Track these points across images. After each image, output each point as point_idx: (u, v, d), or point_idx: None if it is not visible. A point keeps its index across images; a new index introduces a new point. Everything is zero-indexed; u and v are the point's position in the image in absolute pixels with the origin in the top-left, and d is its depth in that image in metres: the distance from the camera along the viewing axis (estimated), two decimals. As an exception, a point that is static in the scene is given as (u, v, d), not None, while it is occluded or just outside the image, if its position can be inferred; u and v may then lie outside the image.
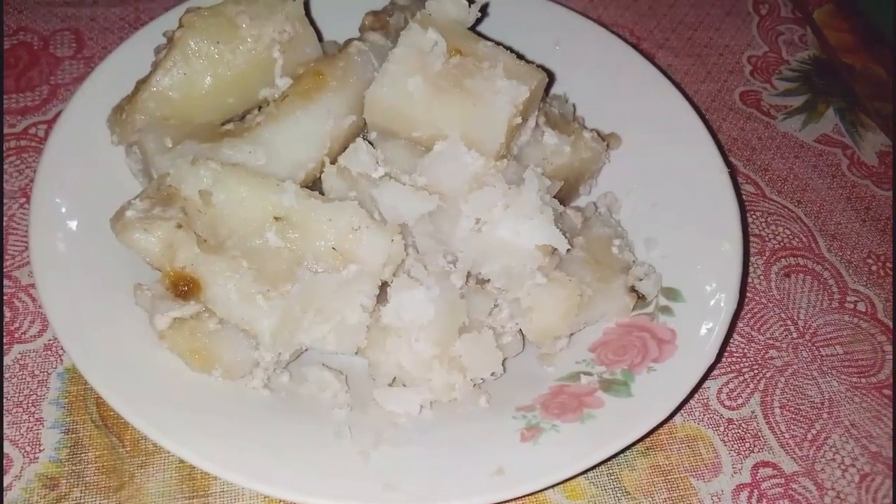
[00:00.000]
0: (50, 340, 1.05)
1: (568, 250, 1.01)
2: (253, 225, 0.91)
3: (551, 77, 1.17)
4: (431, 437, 0.92)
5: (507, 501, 0.86)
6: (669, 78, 1.25)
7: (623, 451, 0.92)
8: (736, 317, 1.06)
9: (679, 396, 0.93)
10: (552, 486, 0.92)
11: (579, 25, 1.30)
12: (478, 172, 1.00)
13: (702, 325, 0.99)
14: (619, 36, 1.30)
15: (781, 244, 1.30)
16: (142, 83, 1.02)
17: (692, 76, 1.52)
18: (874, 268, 1.28)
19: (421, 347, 0.95)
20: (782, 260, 1.28)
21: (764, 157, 1.41)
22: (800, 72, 1.55)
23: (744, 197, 1.34)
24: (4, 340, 1.04)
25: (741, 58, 1.56)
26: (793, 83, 1.53)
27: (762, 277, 1.25)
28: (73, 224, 1.00)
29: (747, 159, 1.40)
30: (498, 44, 1.04)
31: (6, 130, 1.24)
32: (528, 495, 0.90)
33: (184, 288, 0.87)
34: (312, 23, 1.10)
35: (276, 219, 0.91)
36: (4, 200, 1.16)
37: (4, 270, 1.10)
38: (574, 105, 1.24)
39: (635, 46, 1.30)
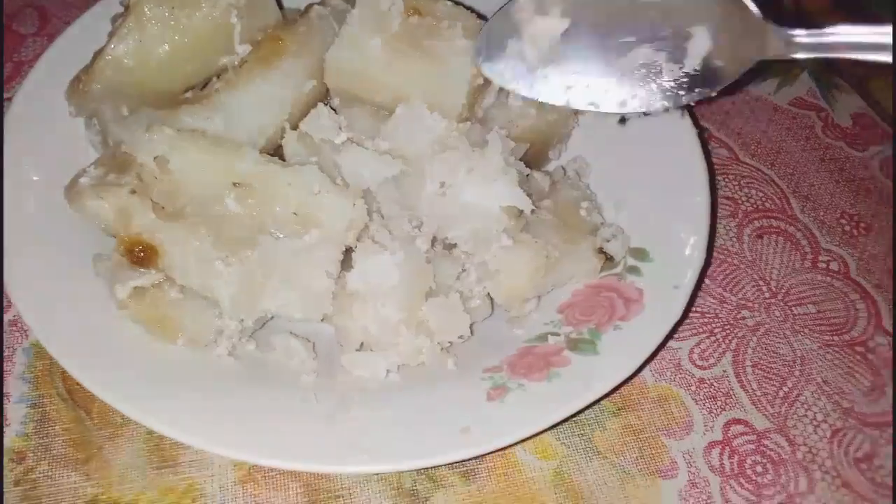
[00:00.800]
0: (14, 317, 1.05)
1: (533, 212, 1.00)
2: (211, 191, 0.90)
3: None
4: (398, 400, 0.91)
5: (478, 461, 0.85)
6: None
7: (590, 406, 0.92)
8: (703, 273, 1.05)
9: (646, 352, 0.93)
10: (519, 443, 0.92)
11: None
12: (441, 135, 1.00)
13: (668, 282, 0.99)
14: None
15: (754, 206, 1.29)
16: (99, 53, 1.01)
17: (664, 42, 1.51)
18: (847, 227, 1.28)
19: (387, 312, 0.95)
20: (755, 222, 1.28)
21: (737, 121, 1.40)
22: (773, 35, 1.54)
23: (717, 161, 1.34)
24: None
25: (714, 23, 1.55)
26: (766, 47, 1.52)
27: (735, 239, 1.25)
28: (32, 199, 0.99)
29: (720, 123, 1.40)
30: (457, 3, 1.03)
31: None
32: (496, 451, 0.90)
33: (140, 254, 0.86)
34: (273, -10, 1.09)
35: (235, 185, 0.90)
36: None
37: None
38: (541, 69, 1.22)
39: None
